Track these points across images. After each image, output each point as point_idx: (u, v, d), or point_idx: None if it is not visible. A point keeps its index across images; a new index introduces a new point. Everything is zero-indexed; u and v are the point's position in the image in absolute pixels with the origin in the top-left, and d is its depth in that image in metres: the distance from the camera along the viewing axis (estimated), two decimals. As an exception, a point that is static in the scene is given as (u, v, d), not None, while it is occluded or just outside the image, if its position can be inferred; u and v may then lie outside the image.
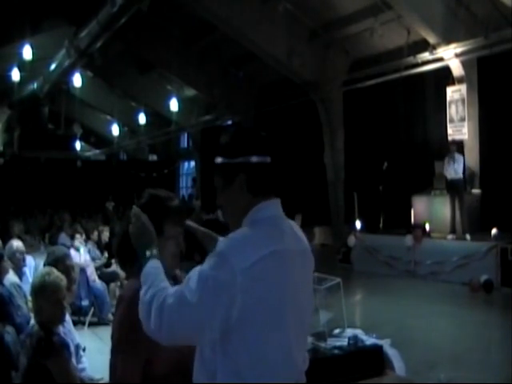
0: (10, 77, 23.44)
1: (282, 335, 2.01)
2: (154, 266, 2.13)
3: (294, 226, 2.25)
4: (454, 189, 13.49)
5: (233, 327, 1.93)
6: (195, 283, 1.93)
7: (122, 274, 9.92)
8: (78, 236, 10.74)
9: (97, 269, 10.41)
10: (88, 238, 11.55)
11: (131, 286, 2.35)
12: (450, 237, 13.36)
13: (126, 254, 2.46)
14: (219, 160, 2.15)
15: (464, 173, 13.63)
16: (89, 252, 10.63)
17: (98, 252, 11.29)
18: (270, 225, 2.08)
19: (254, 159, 2.10)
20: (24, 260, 7.29)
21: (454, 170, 13.35)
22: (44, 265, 5.34)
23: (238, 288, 1.90)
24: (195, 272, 1.97)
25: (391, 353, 4.78)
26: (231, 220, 2.18)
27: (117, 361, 2.22)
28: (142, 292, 2.04)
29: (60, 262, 4.72)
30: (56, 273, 3.98)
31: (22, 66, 22.79)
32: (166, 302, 1.93)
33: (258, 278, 1.94)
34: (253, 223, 2.08)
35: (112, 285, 10.51)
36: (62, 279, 3.96)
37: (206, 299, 1.89)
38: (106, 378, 4.17)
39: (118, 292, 10.68)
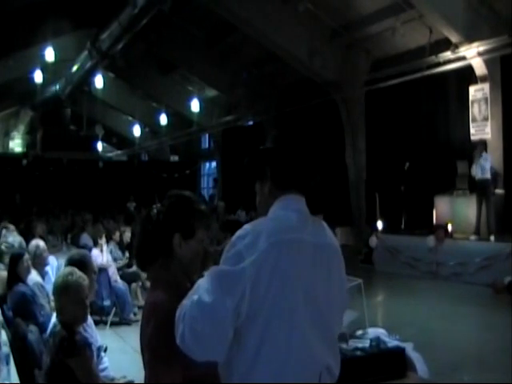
0: (32, 79, 23.71)
1: (294, 330, 1.99)
2: None
3: (319, 222, 2.24)
4: (482, 189, 13.36)
5: (242, 324, 1.95)
6: (210, 283, 1.95)
7: (143, 274, 9.98)
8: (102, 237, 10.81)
9: (118, 269, 10.47)
10: (110, 239, 11.61)
11: (160, 294, 2.33)
12: (472, 237, 13.25)
13: (145, 254, 2.46)
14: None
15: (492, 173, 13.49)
16: (110, 252, 10.68)
17: (119, 252, 11.34)
18: (285, 216, 2.11)
19: (279, 153, 2.22)
20: (46, 259, 7.36)
21: (482, 169, 13.22)
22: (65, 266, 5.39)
23: (247, 278, 1.92)
24: (209, 272, 2.01)
25: (414, 356, 4.74)
26: (259, 212, 2.25)
27: (158, 369, 2.21)
28: None
29: (80, 265, 4.74)
30: (78, 273, 4.01)
31: (45, 67, 23.05)
32: (186, 311, 1.97)
33: (265, 266, 1.95)
34: (272, 214, 2.15)
35: (133, 285, 10.56)
36: (85, 279, 3.99)
37: (221, 296, 1.91)
38: (128, 377, 4.19)
39: (139, 292, 10.76)
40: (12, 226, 11.67)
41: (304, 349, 2.00)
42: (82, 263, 4.62)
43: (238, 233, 2.05)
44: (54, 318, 4.06)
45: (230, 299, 1.91)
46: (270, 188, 2.20)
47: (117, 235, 11.95)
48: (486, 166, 13.24)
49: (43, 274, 7.06)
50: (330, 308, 2.12)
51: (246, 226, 2.07)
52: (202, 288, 1.96)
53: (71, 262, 4.60)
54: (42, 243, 7.40)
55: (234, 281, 1.92)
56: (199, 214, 2.45)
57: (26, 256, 6.34)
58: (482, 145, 13.56)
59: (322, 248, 2.11)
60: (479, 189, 13.45)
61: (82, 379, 3.55)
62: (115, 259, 10.75)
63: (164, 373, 2.19)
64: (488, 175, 13.27)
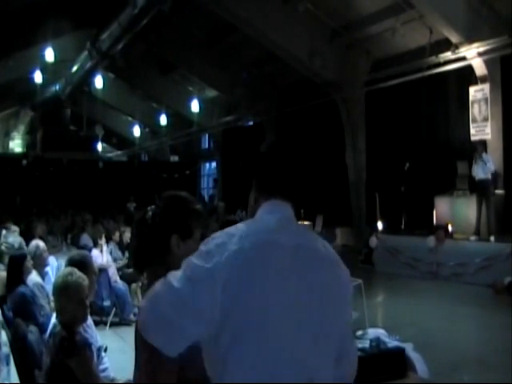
0: (32, 79, 23.73)
1: (270, 338, 1.87)
2: None
3: (306, 228, 2.23)
4: (482, 189, 13.36)
5: (216, 332, 1.88)
6: (182, 272, 1.93)
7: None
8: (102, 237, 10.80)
9: (118, 269, 10.47)
10: (110, 239, 11.62)
11: None
12: (473, 238, 13.25)
13: (143, 257, 2.46)
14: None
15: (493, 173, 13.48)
16: (110, 253, 10.69)
17: (119, 253, 11.34)
18: (264, 219, 2.04)
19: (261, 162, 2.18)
20: (46, 260, 7.35)
21: (483, 170, 13.23)
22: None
23: (217, 279, 1.85)
24: (183, 263, 1.97)
25: (414, 356, 4.74)
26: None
27: (155, 369, 2.21)
28: None
29: (81, 266, 4.72)
30: (78, 273, 4.01)
31: (45, 68, 23.08)
32: (154, 289, 1.96)
33: (236, 267, 1.87)
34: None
35: (133, 285, 10.54)
36: (85, 279, 3.99)
37: (189, 285, 1.87)
38: (128, 377, 4.17)
39: (139, 292, 10.74)
40: (14, 227, 11.69)
41: (283, 357, 1.89)
42: (83, 264, 4.60)
43: (214, 234, 2.01)
44: (53, 319, 4.05)
45: (198, 292, 1.87)
46: (256, 196, 2.15)
47: (116, 235, 11.96)
48: (486, 167, 13.25)
49: (43, 275, 7.06)
50: (319, 316, 1.97)
51: (224, 230, 2.02)
52: (174, 275, 1.94)
53: (72, 263, 4.59)
54: (41, 243, 7.39)
55: (203, 278, 1.87)
56: (195, 213, 2.44)
57: (28, 257, 6.35)
58: (482, 145, 13.57)
59: (304, 250, 2.00)
60: (479, 189, 13.45)
61: (82, 379, 3.55)
62: (115, 259, 10.76)
63: (161, 373, 2.19)
64: (488, 175, 13.28)
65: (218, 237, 1.97)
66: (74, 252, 6.07)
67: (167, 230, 2.37)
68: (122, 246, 11.91)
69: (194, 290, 1.87)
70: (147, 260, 2.42)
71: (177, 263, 2.35)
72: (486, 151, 13.58)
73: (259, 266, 1.91)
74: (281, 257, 1.94)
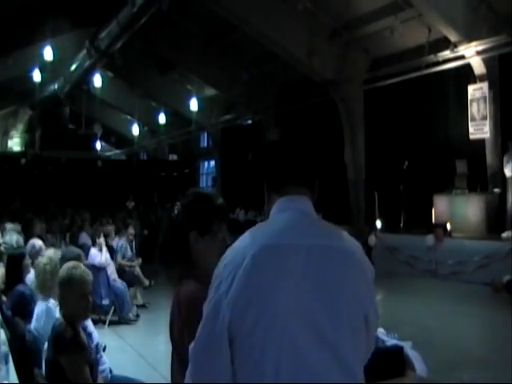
0: (31, 78, 23.74)
1: (285, 350, 1.75)
2: None
3: (327, 224, 2.00)
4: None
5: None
6: (204, 312, 1.85)
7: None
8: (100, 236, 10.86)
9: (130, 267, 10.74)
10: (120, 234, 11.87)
11: (189, 287, 2.33)
12: (504, 235, 13.22)
13: (168, 252, 2.49)
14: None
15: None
16: (120, 249, 10.91)
17: (129, 250, 11.61)
18: (275, 219, 1.93)
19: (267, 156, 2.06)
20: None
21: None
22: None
23: (225, 311, 1.77)
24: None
25: (412, 354, 4.73)
26: None
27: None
28: None
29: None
30: (83, 267, 4.02)
31: (43, 66, 23.09)
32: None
33: (244, 287, 1.77)
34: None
35: (132, 289, 10.57)
36: (89, 274, 4.00)
37: (209, 325, 1.81)
38: (127, 375, 4.18)
39: (138, 292, 10.80)
40: (11, 225, 11.66)
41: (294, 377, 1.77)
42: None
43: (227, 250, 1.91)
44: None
45: (218, 324, 1.77)
46: (268, 194, 2.02)
47: (129, 232, 12.32)
48: None
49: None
50: (338, 324, 1.85)
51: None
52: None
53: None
54: (38, 242, 7.39)
55: (216, 308, 1.78)
56: (217, 209, 2.48)
57: (27, 255, 6.34)
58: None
59: (319, 250, 1.85)
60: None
61: (70, 377, 3.55)
62: (124, 256, 10.99)
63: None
64: None
65: (226, 256, 1.87)
66: (65, 249, 6.07)
67: (186, 227, 2.42)
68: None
69: (212, 324, 1.79)
70: (170, 255, 2.46)
71: (200, 260, 2.37)
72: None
73: (268, 278, 1.78)
74: (295, 261, 1.81)
